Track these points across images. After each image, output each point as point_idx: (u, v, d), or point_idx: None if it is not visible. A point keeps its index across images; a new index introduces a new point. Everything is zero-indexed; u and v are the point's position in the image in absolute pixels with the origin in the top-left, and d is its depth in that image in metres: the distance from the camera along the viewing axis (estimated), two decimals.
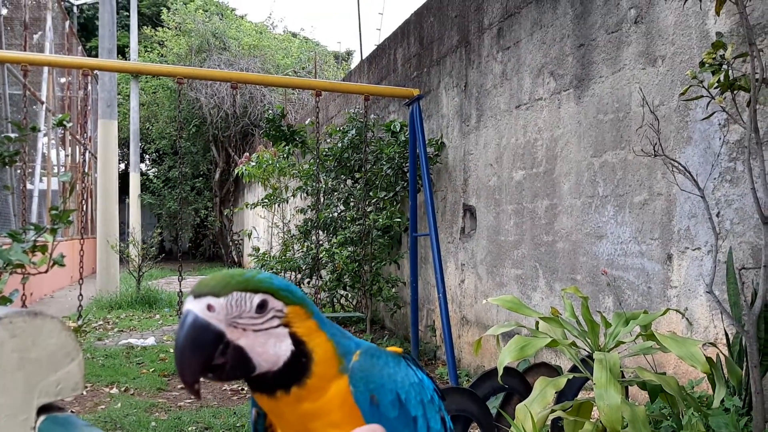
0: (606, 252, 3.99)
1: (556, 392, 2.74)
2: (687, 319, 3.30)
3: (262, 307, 0.76)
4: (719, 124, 3.22)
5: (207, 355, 0.74)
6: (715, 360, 2.82)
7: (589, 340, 2.84)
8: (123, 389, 5.50)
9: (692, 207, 3.35)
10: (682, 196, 3.41)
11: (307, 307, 0.79)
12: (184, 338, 0.74)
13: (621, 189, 3.87)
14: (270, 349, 0.75)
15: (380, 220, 6.73)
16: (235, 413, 4.74)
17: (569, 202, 4.35)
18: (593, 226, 4.11)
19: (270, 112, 7.32)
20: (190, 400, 5.24)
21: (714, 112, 3.05)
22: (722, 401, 2.73)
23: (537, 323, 3.08)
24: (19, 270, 2.63)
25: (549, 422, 3.31)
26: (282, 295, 0.78)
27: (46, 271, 2.64)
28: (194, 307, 0.74)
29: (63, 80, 16.64)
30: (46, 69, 13.45)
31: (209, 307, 0.74)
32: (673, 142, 3.47)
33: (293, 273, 7.83)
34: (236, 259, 21.11)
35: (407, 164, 6.43)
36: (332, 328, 0.82)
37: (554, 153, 4.52)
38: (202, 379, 0.77)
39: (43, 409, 1.14)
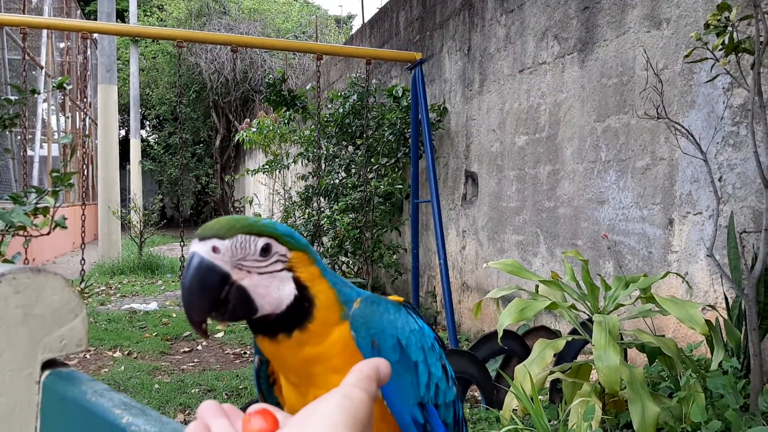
0: (607, 217, 3.99)
1: (555, 354, 2.76)
2: (687, 282, 3.32)
3: (266, 250, 0.76)
4: (723, 88, 3.19)
5: (213, 295, 0.74)
6: (714, 324, 2.84)
7: (588, 303, 2.86)
8: (126, 353, 5.55)
9: (694, 172, 3.34)
10: (684, 161, 3.40)
11: (310, 254, 0.80)
12: (191, 279, 0.74)
13: (623, 154, 3.85)
14: (273, 291, 0.76)
15: (381, 186, 6.71)
16: (237, 376, 4.79)
17: (572, 167, 4.34)
18: (595, 191, 4.10)
19: (270, 76, 7.26)
20: (192, 363, 5.30)
21: (718, 75, 3.03)
22: (720, 364, 2.75)
23: (537, 287, 3.10)
24: (21, 232, 2.64)
25: (548, 385, 3.35)
26: (285, 240, 0.78)
27: (48, 233, 2.65)
28: (199, 249, 0.75)
29: (62, 45, 16.49)
30: (45, 33, 13.32)
31: (214, 249, 0.74)
32: (677, 106, 3.45)
33: None
34: None
35: (409, 130, 6.40)
36: (334, 277, 0.83)
37: (557, 118, 4.49)
38: (209, 321, 0.78)
39: (47, 365, 1.16)
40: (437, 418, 0.84)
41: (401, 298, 0.89)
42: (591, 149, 4.14)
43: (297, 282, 0.78)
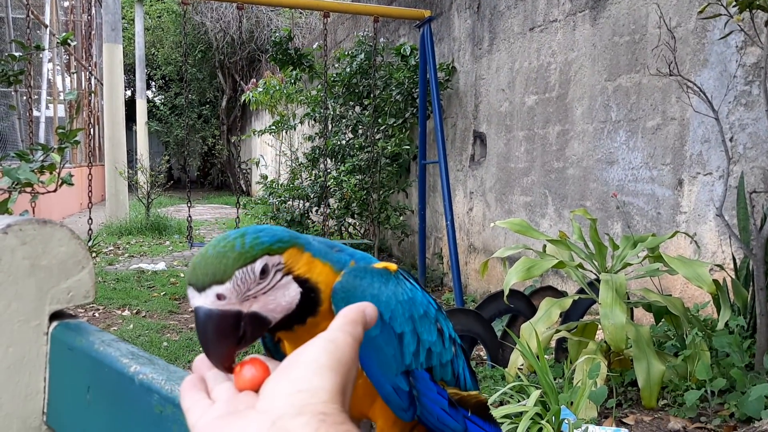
0: (617, 178, 3.96)
1: (561, 313, 2.77)
2: (695, 242, 3.30)
3: (264, 271, 0.74)
4: (736, 47, 3.13)
5: (233, 339, 0.72)
6: (721, 283, 2.83)
7: (596, 262, 2.85)
8: (135, 312, 5.61)
9: (705, 132, 3.30)
10: (695, 121, 3.36)
11: (297, 243, 0.78)
12: (208, 336, 0.72)
13: (634, 113, 3.81)
14: (281, 301, 0.76)
15: (389, 147, 6.67)
16: None
17: (581, 127, 4.29)
18: (605, 151, 4.07)
19: (277, 34, 7.18)
20: None
21: (731, 32, 2.97)
22: (726, 323, 2.76)
23: (544, 246, 3.09)
24: (27, 189, 2.64)
25: (553, 344, 3.37)
26: (276, 249, 0.76)
27: (55, 190, 2.64)
28: (204, 302, 0.71)
29: (66, 4, 16.33)
30: None
31: (219, 297, 0.71)
32: (689, 64, 3.39)
33: (301, 201, 7.85)
34: (244, 188, 21.16)
35: (417, 90, 6.34)
36: (320, 249, 0.81)
37: (568, 77, 4.43)
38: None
39: (55, 316, 1.16)
40: (427, 381, 0.84)
41: (394, 266, 0.87)
42: (601, 109, 4.09)
43: (297, 280, 0.77)
